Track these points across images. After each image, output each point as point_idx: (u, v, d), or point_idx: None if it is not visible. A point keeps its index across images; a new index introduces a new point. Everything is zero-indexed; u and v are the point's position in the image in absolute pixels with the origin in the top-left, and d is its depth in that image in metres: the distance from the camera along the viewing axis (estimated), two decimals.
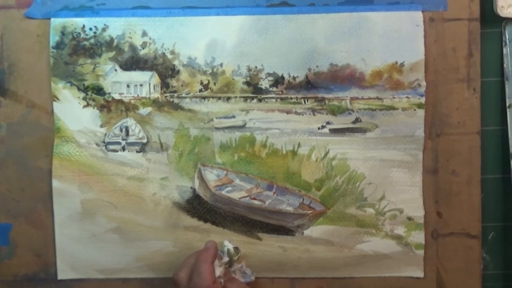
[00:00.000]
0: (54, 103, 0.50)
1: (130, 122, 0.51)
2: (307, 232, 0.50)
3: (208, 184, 0.50)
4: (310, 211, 0.50)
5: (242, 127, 0.50)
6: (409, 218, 0.50)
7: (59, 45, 0.50)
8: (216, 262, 0.46)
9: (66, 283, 0.51)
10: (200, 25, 0.50)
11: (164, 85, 0.50)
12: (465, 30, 0.50)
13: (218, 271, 0.45)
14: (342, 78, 0.50)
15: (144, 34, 0.50)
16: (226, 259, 0.47)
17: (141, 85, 0.50)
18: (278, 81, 0.50)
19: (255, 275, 0.49)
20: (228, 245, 0.48)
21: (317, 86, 0.50)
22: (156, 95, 0.50)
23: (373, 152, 0.50)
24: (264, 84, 0.50)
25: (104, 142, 0.51)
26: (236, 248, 0.48)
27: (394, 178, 0.50)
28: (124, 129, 0.51)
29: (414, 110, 0.50)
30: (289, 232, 0.51)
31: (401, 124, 0.50)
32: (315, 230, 0.50)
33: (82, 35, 0.50)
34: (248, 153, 0.50)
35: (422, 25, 0.49)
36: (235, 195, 0.50)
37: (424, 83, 0.50)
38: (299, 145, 0.50)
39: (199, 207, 0.51)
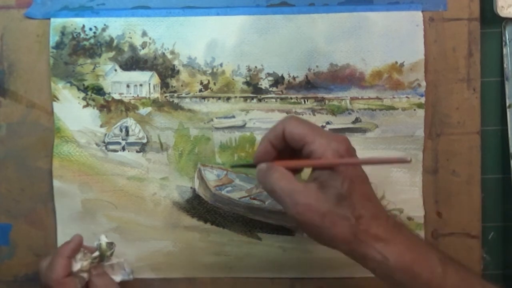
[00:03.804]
0: (54, 103, 0.50)
1: (130, 122, 0.51)
2: None
3: (208, 184, 0.50)
4: None
5: (242, 127, 0.50)
6: (409, 218, 0.50)
7: (59, 45, 0.50)
8: (78, 256, 0.46)
9: None
10: (200, 25, 0.50)
11: (164, 85, 0.50)
12: (465, 30, 0.50)
13: (79, 265, 0.45)
14: (342, 78, 0.50)
15: (144, 34, 0.50)
16: (96, 253, 0.47)
17: (141, 85, 0.50)
18: (278, 81, 0.50)
19: (133, 274, 0.50)
20: (102, 239, 0.47)
21: (317, 86, 0.50)
22: (156, 95, 0.50)
23: (373, 152, 0.50)
24: (264, 84, 0.50)
25: (104, 142, 0.51)
26: (109, 243, 0.47)
27: (394, 178, 0.50)
28: (124, 129, 0.51)
29: (414, 110, 0.50)
30: (289, 232, 0.51)
31: (401, 124, 0.50)
32: None
33: (82, 35, 0.50)
34: (248, 153, 0.50)
35: (422, 25, 0.49)
36: (235, 195, 0.50)
37: (424, 83, 0.50)
38: None
39: (199, 207, 0.51)
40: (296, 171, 0.41)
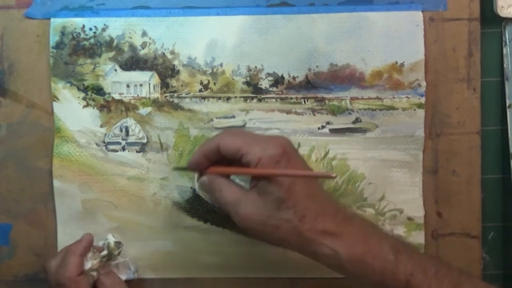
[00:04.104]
0: (54, 103, 0.50)
1: (130, 122, 0.51)
2: None
3: None
4: None
5: (242, 127, 0.50)
6: (409, 218, 0.50)
7: (59, 45, 0.50)
8: (89, 255, 0.46)
9: None
10: (200, 25, 0.50)
11: (164, 85, 0.50)
12: (465, 30, 0.50)
13: (90, 263, 0.46)
14: (342, 78, 0.50)
15: (144, 34, 0.50)
16: (104, 252, 0.47)
17: (141, 85, 0.50)
18: (278, 81, 0.50)
19: (138, 273, 0.50)
20: (110, 239, 0.49)
21: (317, 86, 0.50)
22: (156, 95, 0.50)
23: (373, 152, 0.50)
24: (264, 84, 0.50)
25: (104, 142, 0.51)
26: (117, 243, 0.49)
27: (394, 178, 0.50)
28: (124, 129, 0.51)
29: (414, 110, 0.50)
30: None
31: (401, 124, 0.50)
32: None
33: (82, 35, 0.50)
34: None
35: (422, 25, 0.49)
36: None
37: (424, 83, 0.50)
38: (299, 145, 0.50)
39: (199, 207, 0.51)
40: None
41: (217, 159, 0.42)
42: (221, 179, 0.42)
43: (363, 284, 0.39)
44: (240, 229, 0.41)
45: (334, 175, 0.38)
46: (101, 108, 0.50)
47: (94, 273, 0.46)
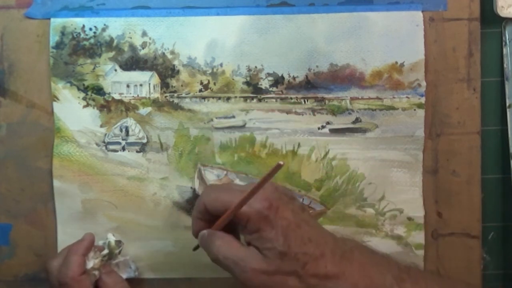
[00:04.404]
0: (54, 103, 0.50)
1: (130, 122, 0.51)
2: None
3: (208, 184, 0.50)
4: (310, 211, 0.50)
5: (242, 127, 0.50)
6: (409, 218, 0.50)
7: (59, 45, 0.50)
8: (91, 254, 0.46)
9: None
10: (200, 25, 0.50)
11: (164, 85, 0.50)
12: (465, 30, 0.50)
13: (92, 263, 0.46)
14: (342, 78, 0.50)
15: (144, 34, 0.50)
16: (105, 251, 0.48)
17: (141, 85, 0.50)
18: (278, 81, 0.50)
19: (139, 271, 0.50)
20: (110, 238, 0.49)
21: (317, 86, 0.50)
22: (156, 95, 0.50)
23: (373, 152, 0.50)
24: (264, 84, 0.50)
25: (104, 142, 0.51)
26: (118, 241, 0.49)
27: (394, 178, 0.50)
28: (124, 129, 0.51)
29: (414, 110, 0.50)
30: None
31: (401, 124, 0.50)
32: None
33: (82, 35, 0.50)
34: (248, 153, 0.50)
35: (422, 25, 0.49)
36: None
37: (424, 83, 0.50)
38: (299, 145, 0.50)
39: None
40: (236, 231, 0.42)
41: (215, 216, 0.41)
42: (222, 234, 0.40)
43: None
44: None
45: (281, 163, 0.36)
46: (101, 108, 0.50)
47: (96, 272, 0.46)
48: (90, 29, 0.50)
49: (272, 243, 0.37)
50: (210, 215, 0.41)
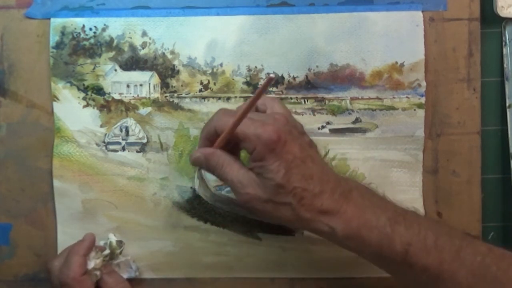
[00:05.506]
0: (54, 103, 0.50)
1: (130, 122, 0.51)
2: (307, 232, 0.50)
3: (208, 184, 0.50)
4: None
5: None
6: None
7: (59, 45, 0.50)
8: (92, 254, 0.46)
9: None
10: (200, 25, 0.50)
11: (164, 85, 0.50)
12: (465, 30, 0.50)
13: (93, 263, 0.46)
14: (342, 78, 0.50)
15: (144, 34, 0.50)
16: (107, 251, 0.48)
17: (141, 85, 0.50)
18: (278, 81, 0.50)
19: (139, 271, 0.50)
20: (111, 238, 0.49)
21: (317, 86, 0.50)
22: (156, 95, 0.50)
23: (373, 152, 0.50)
24: None
25: (104, 142, 0.51)
26: (119, 242, 0.49)
27: (394, 178, 0.50)
28: (124, 129, 0.51)
29: (414, 110, 0.50)
30: (289, 232, 0.51)
31: (401, 124, 0.50)
32: None
33: (82, 35, 0.50)
34: (248, 153, 0.50)
35: (422, 25, 0.49)
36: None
37: (424, 83, 0.50)
38: None
39: (199, 207, 0.51)
40: (237, 150, 0.43)
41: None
42: (222, 154, 0.41)
43: (364, 256, 0.40)
44: (242, 208, 0.42)
45: (273, 75, 0.37)
46: (101, 108, 0.50)
47: (97, 272, 0.46)
48: (90, 29, 0.50)
49: (272, 174, 0.38)
50: (218, 137, 0.42)
